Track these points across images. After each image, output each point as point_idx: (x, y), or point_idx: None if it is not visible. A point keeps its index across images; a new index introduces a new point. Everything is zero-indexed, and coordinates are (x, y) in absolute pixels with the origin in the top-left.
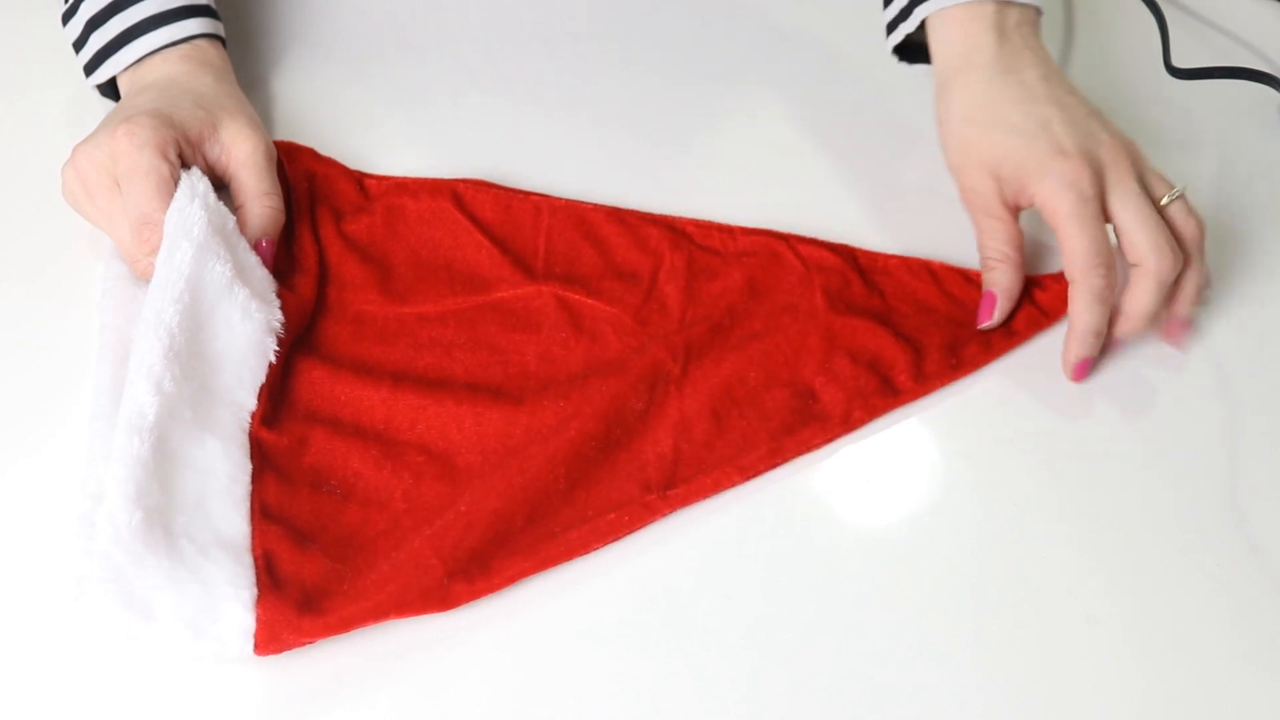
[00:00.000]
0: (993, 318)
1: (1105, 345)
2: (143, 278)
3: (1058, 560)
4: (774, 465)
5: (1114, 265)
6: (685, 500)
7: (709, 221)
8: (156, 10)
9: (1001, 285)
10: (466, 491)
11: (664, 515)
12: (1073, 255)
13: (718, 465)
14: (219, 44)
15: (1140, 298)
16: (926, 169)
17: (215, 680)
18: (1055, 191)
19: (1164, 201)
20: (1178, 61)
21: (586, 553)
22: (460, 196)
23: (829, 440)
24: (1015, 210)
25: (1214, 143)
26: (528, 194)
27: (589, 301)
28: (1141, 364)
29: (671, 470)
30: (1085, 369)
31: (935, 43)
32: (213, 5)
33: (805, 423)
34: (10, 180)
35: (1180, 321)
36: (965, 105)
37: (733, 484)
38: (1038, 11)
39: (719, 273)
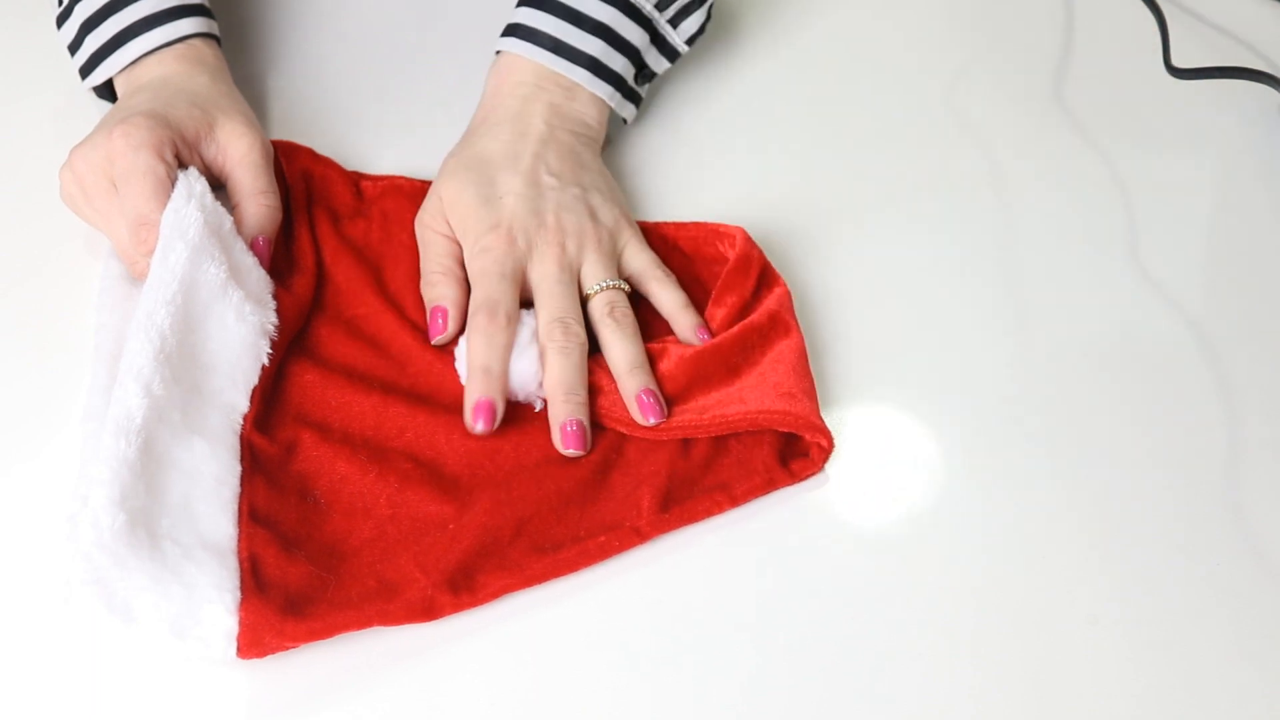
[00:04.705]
0: (446, 330)
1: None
2: (140, 278)
3: (1059, 560)
4: (768, 492)
5: (499, 310)
6: (678, 524)
7: (702, 224)
8: (150, 11)
9: (448, 297)
10: (454, 512)
11: (654, 539)
12: (470, 304)
13: (710, 491)
14: (214, 43)
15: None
16: (930, 166)
17: (207, 683)
18: (472, 257)
19: (590, 290)
20: (1178, 61)
21: (573, 572)
22: None
23: (820, 468)
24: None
25: (1214, 143)
26: None
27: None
28: (1141, 364)
29: (665, 493)
30: (482, 409)
31: (489, 75)
32: (207, 4)
33: (798, 454)
34: (9, 181)
35: (634, 394)
36: (469, 143)
37: (723, 510)
38: (592, 101)
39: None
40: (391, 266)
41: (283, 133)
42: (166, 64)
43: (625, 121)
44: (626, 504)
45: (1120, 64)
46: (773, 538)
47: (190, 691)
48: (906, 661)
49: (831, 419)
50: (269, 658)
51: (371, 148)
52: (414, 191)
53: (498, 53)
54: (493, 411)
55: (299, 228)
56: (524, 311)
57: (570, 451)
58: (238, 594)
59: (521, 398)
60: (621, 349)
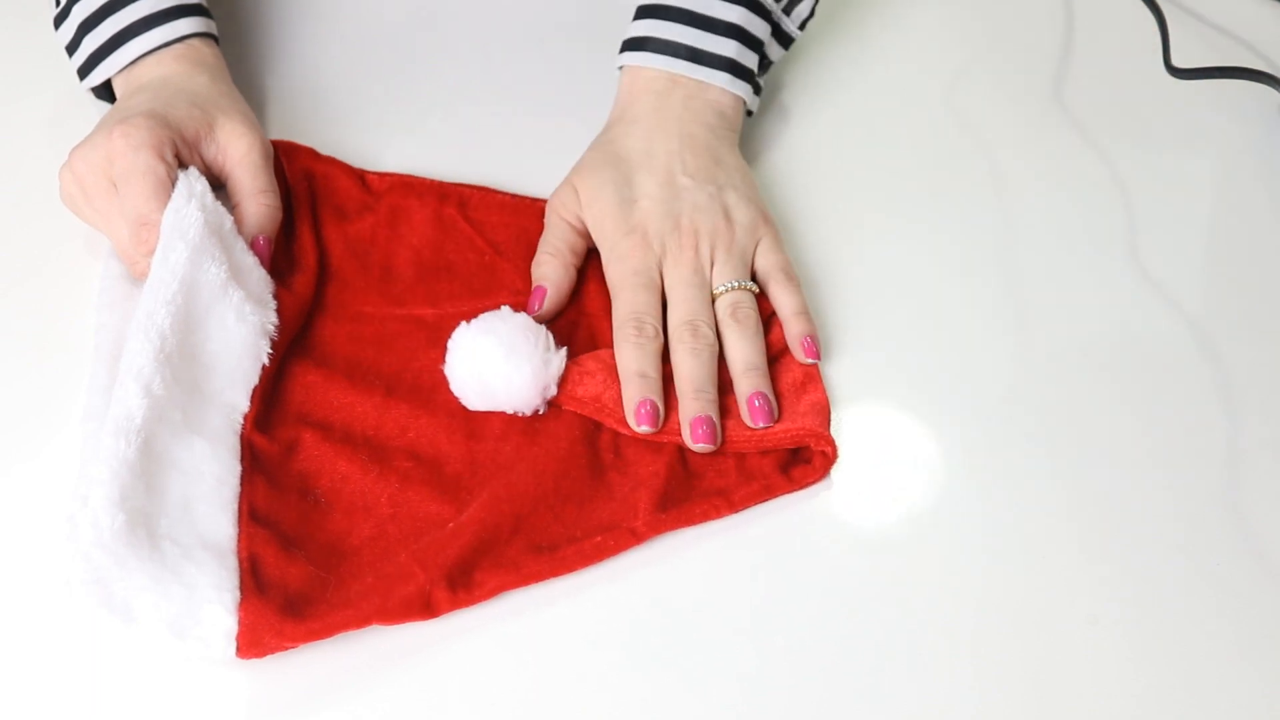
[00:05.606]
0: (541, 309)
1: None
2: (140, 279)
3: (1059, 560)
4: (766, 499)
5: (646, 322)
6: (673, 526)
7: None
8: (149, 11)
9: (550, 279)
10: (454, 512)
11: (650, 539)
12: (615, 312)
13: (709, 496)
14: (213, 43)
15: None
16: (930, 166)
17: (207, 683)
18: (610, 261)
19: (717, 290)
20: (1178, 61)
21: (569, 572)
22: (466, 202)
23: (822, 476)
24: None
25: (1214, 143)
26: (532, 201)
27: (584, 309)
28: (1141, 364)
29: (663, 496)
30: (644, 410)
31: (619, 87)
32: (205, 4)
33: (800, 461)
34: (8, 181)
35: (745, 396)
36: (608, 139)
37: (721, 515)
38: (725, 92)
39: None
40: (397, 265)
41: (283, 133)
42: (165, 64)
43: (750, 114)
44: (624, 506)
45: (1120, 64)
46: (773, 537)
47: (190, 691)
48: (906, 662)
49: (832, 419)
50: (269, 658)
51: (371, 148)
52: (424, 190)
53: (620, 68)
54: (655, 411)
55: (301, 227)
56: (519, 315)
57: (700, 446)
58: (237, 594)
59: (521, 409)
60: (739, 350)
